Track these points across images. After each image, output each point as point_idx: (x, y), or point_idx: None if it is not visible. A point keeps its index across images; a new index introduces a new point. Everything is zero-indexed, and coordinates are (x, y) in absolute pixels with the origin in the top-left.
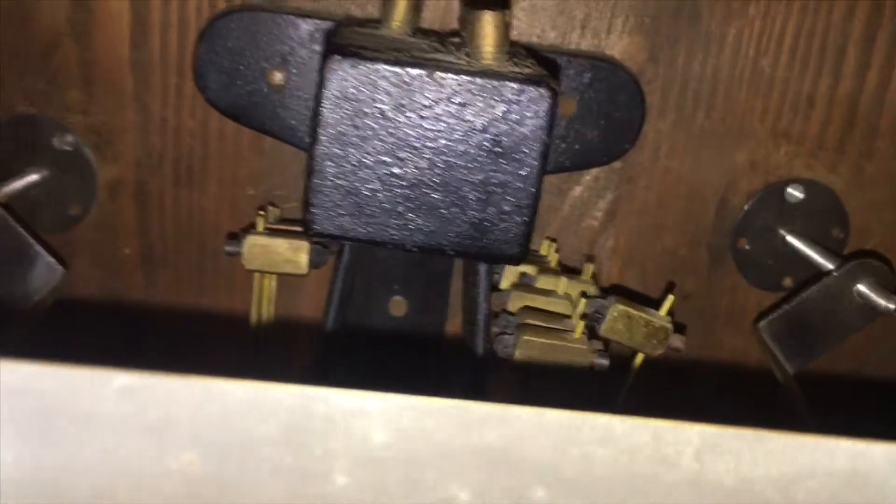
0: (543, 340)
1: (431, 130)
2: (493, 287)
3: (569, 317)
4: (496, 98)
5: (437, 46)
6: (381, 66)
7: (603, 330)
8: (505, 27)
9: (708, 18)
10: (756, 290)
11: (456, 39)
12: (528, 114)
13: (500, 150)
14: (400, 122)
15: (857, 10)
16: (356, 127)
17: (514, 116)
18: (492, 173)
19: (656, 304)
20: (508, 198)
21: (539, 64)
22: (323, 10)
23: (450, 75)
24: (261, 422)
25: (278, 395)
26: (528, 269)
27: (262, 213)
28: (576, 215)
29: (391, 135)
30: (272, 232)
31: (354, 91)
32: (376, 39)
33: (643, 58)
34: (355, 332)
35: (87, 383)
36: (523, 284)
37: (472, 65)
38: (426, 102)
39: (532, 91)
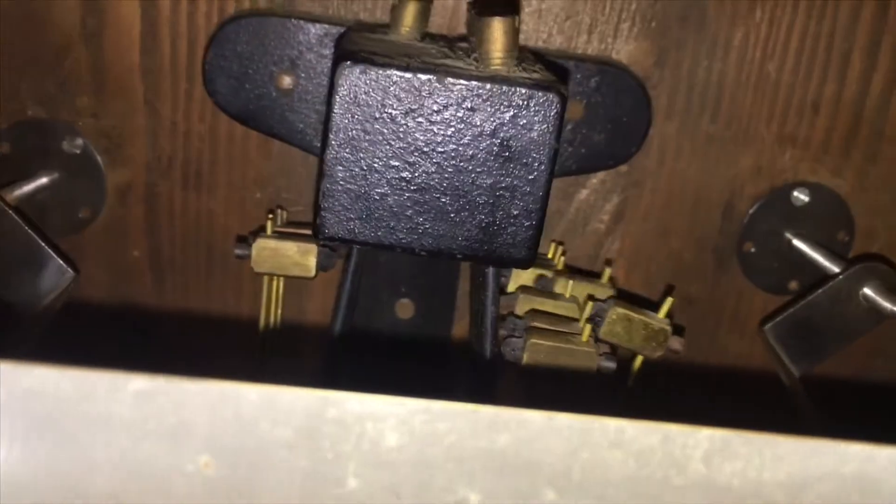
0: (551, 344)
1: (441, 135)
2: (501, 290)
3: (576, 320)
4: (505, 103)
5: (446, 52)
6: (392, 72)
7: (602, 333)
8: (514, 32)
9: (714, 23)
10: (761, 293)
11: (464, 44)
12: (536, 119)
13: (508, 154)
14: (409, 126)
15: (862, 14)
16: (366, 132)
17: (522, 121)
18: (500, 178)
19: (659, 308)
20: (517, 202)
21: (547, 69)
22: (331, 14)
23: (459, 81)
24: (275, 425)
25: (292, 399)
26: (545, 272)
27: (270, 216)
28: (582, 219)
29: (401, 139)
30: (281, 235)
31: (365, 96)
32: (386, 45)
33: (650, 62)
34: (362, 335)
35: (102, 387)
36: (536, 288)
37: (481, 70)
38: (436, 107)
39: (541, 96)
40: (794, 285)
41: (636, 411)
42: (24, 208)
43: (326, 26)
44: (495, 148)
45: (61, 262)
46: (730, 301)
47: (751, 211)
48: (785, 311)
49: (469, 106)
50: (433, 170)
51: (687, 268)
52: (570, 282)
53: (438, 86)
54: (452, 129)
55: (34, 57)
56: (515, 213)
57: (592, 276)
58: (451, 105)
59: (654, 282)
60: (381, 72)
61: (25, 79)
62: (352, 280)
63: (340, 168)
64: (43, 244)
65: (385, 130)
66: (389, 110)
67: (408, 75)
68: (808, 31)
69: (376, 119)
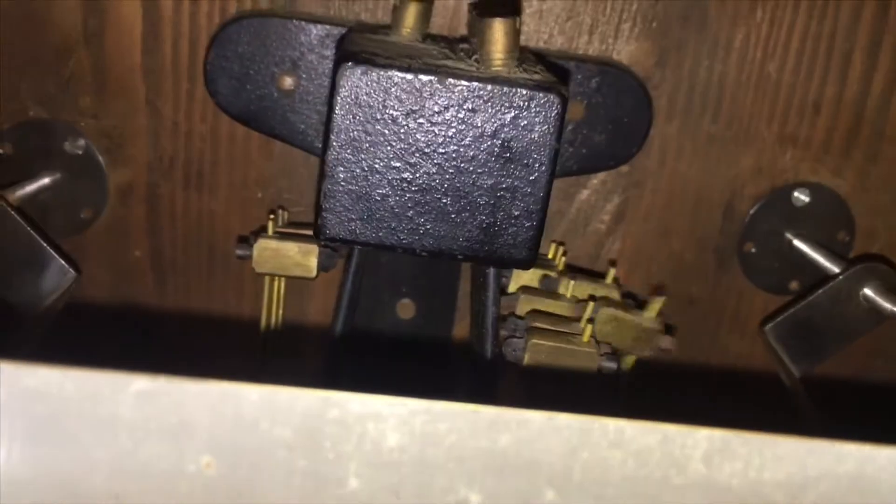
0: (552, 344)
1: (442, 136)
2: (502, 291)
3: (577, 320)
4: (506, 104)
5: (447, 53)
6: (394, 73)
7: (595, 333)
8: (515, 34)
9: (715, 23)
10: (762, 293)
11: (465, 45)
12: (537, 120)
13: (509, 155)
14: (411, 127)
15: (863, 15)
16: (367, 133)
17: (523, 122)
18: (501, 178)
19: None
20: (518, 203)
21: (548, 70)
22: (333, 15)
23: (460, 82)
24: (276, 425)
25: (293, 399)
26: (548, 272)
27: (272, 216)
28: (583, 219)
29: (402, 140)
30: (282, 236)
31: (366, 97)
32: (387, 46)
33: (650, 63)
34: (364, 335)
35: (104, 387)
36: (541, 288)
37: (482, 71)
38: (437, 108)
39: (541, 97)
40: (794, 285)
41: (636, 411)
42: (26, 209)
43: (328, 27)
44: (496, 149)
45: (63, 262)
46: (730, 301)
47: (751, 211)
48: (785, 312)
49: (470, 107)
50: (434, 170)
51: (688, 268)
52: (572, 282)
53: (440, 87)
54: (453, 129)
55: (35, 57)
56: (516, 213)
57: (596, 276)
58: (452, 106)
59: (655, 282)
60: (382, 73)
61: (26, 79)
62: (353, 280)
63: (342, 169)
64: (45, 244)
65: (386, 131)
66: (391, 111)
67: (409, 76)
68: (808, 31)
69: (377, 120)
